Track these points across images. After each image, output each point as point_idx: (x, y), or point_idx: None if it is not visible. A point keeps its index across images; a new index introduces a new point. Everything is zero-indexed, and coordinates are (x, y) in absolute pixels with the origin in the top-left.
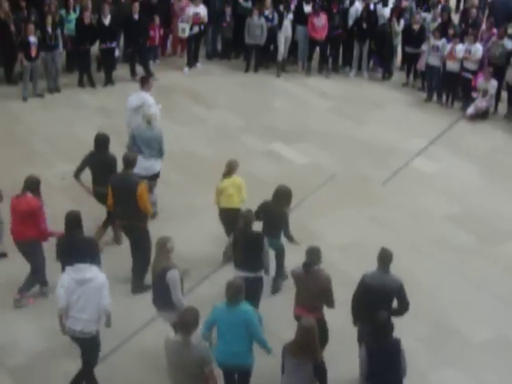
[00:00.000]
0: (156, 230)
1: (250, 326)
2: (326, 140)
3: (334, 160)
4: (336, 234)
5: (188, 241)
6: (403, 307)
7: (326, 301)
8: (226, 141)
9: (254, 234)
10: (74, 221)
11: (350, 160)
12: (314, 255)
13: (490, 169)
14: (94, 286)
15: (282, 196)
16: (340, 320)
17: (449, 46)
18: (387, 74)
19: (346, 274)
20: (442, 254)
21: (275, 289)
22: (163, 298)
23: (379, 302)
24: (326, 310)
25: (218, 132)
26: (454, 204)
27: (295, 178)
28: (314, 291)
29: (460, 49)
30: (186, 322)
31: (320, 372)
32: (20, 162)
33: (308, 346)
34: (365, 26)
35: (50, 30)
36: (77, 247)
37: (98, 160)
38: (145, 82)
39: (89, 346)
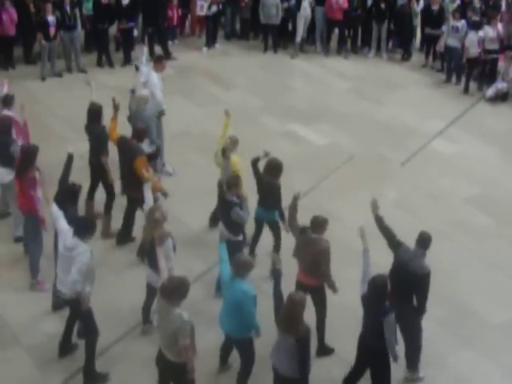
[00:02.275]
0: (175, 210)
1: (243, 307)
2: (345, 121)
3: (352, 141)
4: (354, 216)
5: (206, 221)
6: (421, 295)
7: (321, 270)
8: (245, 121)
9: (227, 202)
10: (71, 195)
11: (368, 141)
12: (316, 224)
13: (508, 151)
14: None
15: (275, 168)
16: (351, 298)
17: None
18: (406, 55)
19: (360, 255)
20: (461, 235)
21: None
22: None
23: (398, 279)
24: (342, 289)
25: (237, 112)
26: (473, 186)
27: (313, 158)
28: (309, 257)
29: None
30: (167, 289)
31: (300, 347)
32: (38, 142)
33: (291, 320)
34: (383, 6)
35: (68, 9)
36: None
37: (91, 131)
38: (157, 61)
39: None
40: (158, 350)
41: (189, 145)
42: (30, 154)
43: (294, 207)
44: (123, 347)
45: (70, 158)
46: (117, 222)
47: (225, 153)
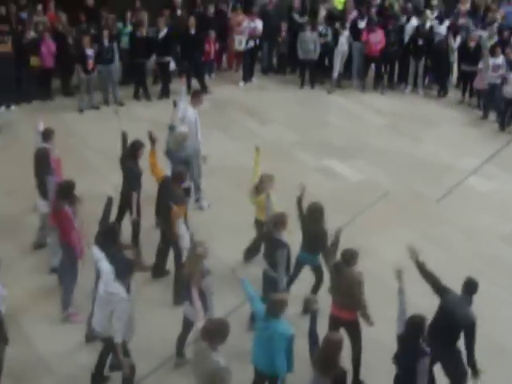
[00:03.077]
0: (209, 244)
1: (277, 347)
2: (381, 157)
3: (388, 177)
4: (388, 251)
5: (240, 254)
6: (468, 345)
7: (355, 301)
8: (280, 156)
9: (275, 240)
10: (111, 235)
11: (404, 177)
12: (346, 257)
13: None
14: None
15: (315, 212)
16: (387, 335)
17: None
18: (442, 91)
19: (395, 291)
20: (496, 273)
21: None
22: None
23: (442, 325)
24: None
25: (273, 147)
26: (509, 223)
27: (349, 194)
28: (342, 290)
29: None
30: (209, 331)
31: None
32: (74, 174)
33: (328, 361)
34: (421, 42)
35: (106, 43)
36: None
37: (125, 165)
38: (194, 96)
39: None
40: None
41: (224, 179)
42: (65, 189)
43: (335, 245)
44: (156, 380)
45: (109, 201)
46: (146, 256)
47: (257, 191)
